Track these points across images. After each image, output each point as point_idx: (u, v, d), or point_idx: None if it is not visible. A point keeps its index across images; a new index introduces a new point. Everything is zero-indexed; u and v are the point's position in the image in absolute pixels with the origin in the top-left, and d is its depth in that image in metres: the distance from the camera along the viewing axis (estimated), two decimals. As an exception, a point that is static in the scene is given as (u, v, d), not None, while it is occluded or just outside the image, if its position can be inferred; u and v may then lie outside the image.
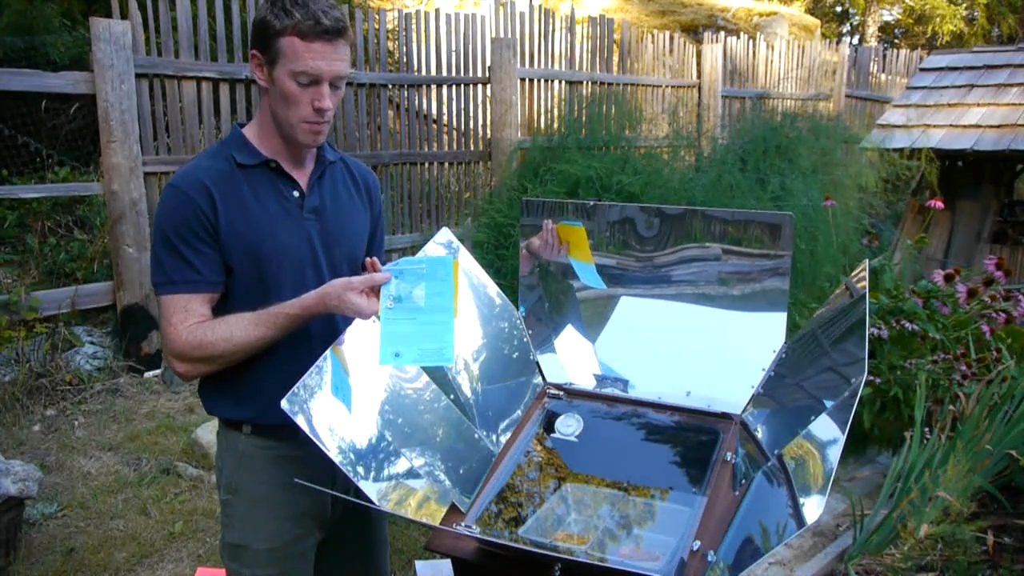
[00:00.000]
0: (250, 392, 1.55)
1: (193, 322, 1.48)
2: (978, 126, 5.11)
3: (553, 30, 6.73)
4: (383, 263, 1.56)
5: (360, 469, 1.44)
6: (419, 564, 2.22)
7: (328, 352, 1.50)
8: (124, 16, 4.54)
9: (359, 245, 1.69)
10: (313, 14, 1.42)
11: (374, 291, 1.46)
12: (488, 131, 6.33)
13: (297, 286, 1.53)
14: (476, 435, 1.69)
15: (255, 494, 1.59)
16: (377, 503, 1.41)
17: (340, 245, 1.62)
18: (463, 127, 6.26)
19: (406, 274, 1.48)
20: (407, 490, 1.51)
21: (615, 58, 7.39)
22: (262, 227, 1.52)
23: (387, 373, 1.62)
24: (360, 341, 1.55)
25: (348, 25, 1.48)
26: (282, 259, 1.53)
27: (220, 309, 1.52)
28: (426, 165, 6.07)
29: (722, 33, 8.62)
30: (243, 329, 1.47)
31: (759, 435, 1.63)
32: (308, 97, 1.46)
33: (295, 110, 1.48)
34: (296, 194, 1.57)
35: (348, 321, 1.60)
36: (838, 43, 9.85)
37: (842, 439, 1.27)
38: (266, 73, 1.48)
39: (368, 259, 1.55)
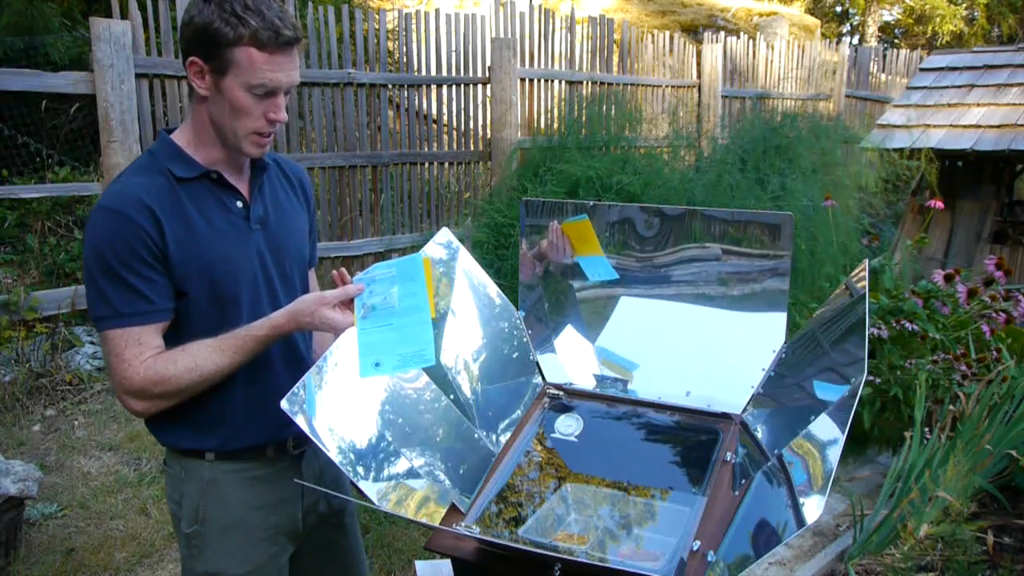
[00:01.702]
0: (213, 420, 1.47)
1: (149, 356, 1.36)
2: (978, 126, 5.11)
3: (553, 30, 6.73)
4: (317, 262, 1.52)
5: (360, 469, 1.43)
6: (419, 564, 2.22)
7: (327, 353, 1.49)
8: (124, 16, 4.55)
9: (304, 248, 1.63)
10: (271, 23, 1.32)
11: (347, 303, 1.41)
12: (488, 131, 6.33)
13: (253, 302, 1.47)
14: (476, 435, 1.69)
15: (226, 520, 1.52)
16: (377, 503, 1.40)
17: (288, 253, 1.55)
18: (463, 127, 6.26)
19: (378, 281, 1.43)
20: (407, 490, 1.51)
21: (615, 58, 7.39)
22: (212, 246, 1.41)
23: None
24: (354, 345, 1.55)
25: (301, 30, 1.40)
26: (237, 276, 1.45)
27: (170, 336, 1.42)
28: (426, 165, 6.07)
29: (722, 33, 8.62)
30: (208, 357, 1.37)
31: (759, 435, 1.63)
32: (261, 108, 1.38)
33: (245, 121, 1.38)
34: (240, 204, 1.47)
35: (306, 339, 1.58)
36: (838, 43, 9.85)
37: (842, 439, 1.27)
38: (210, 82, 1.36)
39: (336, 272, 1.47)
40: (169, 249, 1.37)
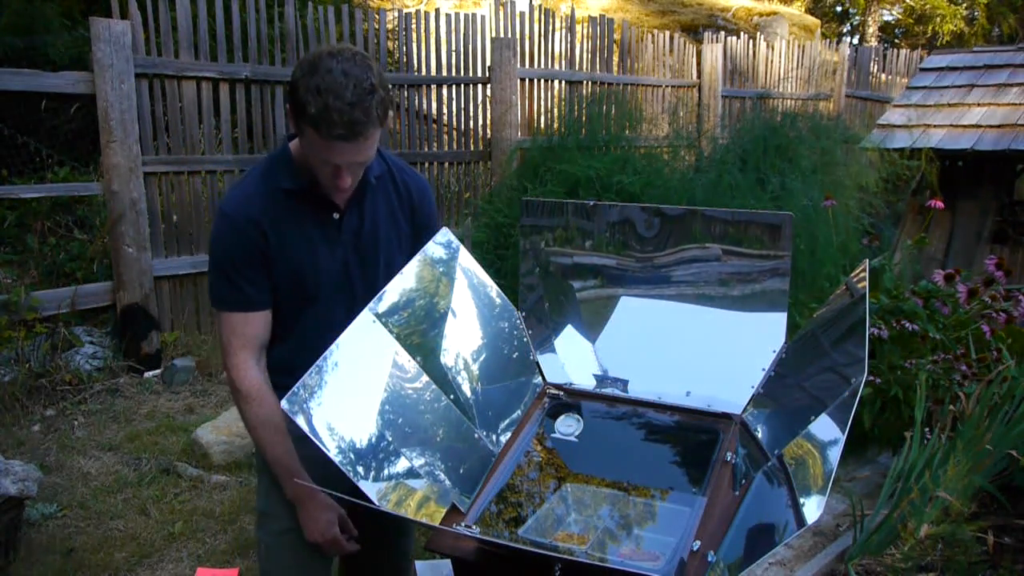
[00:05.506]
0: (275, 372, 1.67)
1: (246, 354, 1.61)
2: (978, 126, 5.11)
3: (553, 30, 6.73)
4: None
5: (360, 469, 1.43)
6: (419, 564, 2.21)
7: (329, 351, 1.49)
8: (124, 16, 4.54)
9: (396, 259, 1.73)
10: (329, 117, 1.35)
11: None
12: (488, 131, 6.33)
13: (328, 303, 1.66)
14: (476, 435, 1.69)
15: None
16: (377, 503, 1.40)
17: (375, 264, 1.70)
18: (463, 127, 6.26)
19: None
20: (407, 490, 1.51)
21: (615, 58, 7.39)
22: (302, 251, 1.61)
23: (387, 373, 1.62)
24: (361, 341, 1.55)
25: (374, 118, 1.39)
26: (319, 279, 1.64)
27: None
28: (426, 165, 6.07)
29: (722, 33, 8.62)
30: (262, 432, 1.61)
31: (759, 435, 1.63)
32: (328, 172, 1.49)
33: (319, 172, 1.52)
34: (335, 216, 1.64)
35: None
36: (838, 43, 9.85)
37: (842, 439, 1.27)
38: (296, 126, 1.47)
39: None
40: (271, 254, 1.60)
